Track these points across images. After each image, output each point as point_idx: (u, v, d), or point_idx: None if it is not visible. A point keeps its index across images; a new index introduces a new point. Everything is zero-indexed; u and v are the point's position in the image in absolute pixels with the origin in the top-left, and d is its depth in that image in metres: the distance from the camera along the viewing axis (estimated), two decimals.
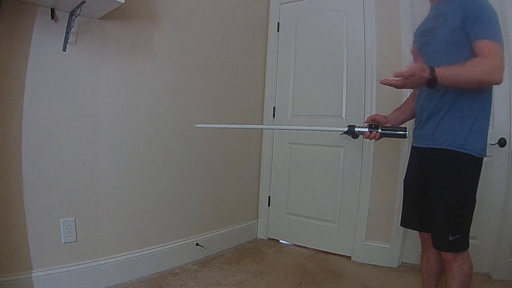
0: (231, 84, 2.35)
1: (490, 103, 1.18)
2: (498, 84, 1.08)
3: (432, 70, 1.04)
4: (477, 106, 1.15)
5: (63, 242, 1.54)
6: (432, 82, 1.05)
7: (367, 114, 2.18)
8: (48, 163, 1.48)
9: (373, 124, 1.27)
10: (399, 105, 1.49)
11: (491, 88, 1.17)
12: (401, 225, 1.43)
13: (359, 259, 2.22)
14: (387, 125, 1.33)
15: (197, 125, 1.62)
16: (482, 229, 1.93)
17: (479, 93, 1.14)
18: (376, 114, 1.38)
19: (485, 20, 1.08)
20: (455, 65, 1.07)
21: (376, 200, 2.19)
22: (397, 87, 1.11)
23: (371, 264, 2.17)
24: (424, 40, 1.25)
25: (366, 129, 1.26)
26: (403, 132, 1.22)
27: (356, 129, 1.27)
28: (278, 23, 2.61)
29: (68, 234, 1.55)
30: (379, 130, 1.24)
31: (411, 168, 1.38)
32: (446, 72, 1.05)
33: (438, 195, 1.20)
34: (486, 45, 1.06)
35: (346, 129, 1.28)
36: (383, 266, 2.13)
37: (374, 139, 1.25)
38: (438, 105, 1.19)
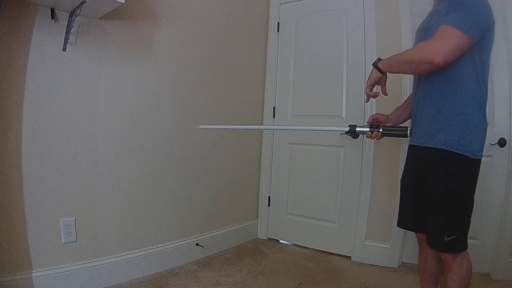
0: (231, 84, 2.35)
1: (485, 101, 1.14)
2: (434, 65, 1.03)
3: (379, 59, 1.26)
4: (470, 103, 1.11)
5: (63, 242, 1.53)
6: (375, 65, 1.26)
7: (367, 114, 2.18)
8: (48, 163, 1.48)
9: (375, 124, 1.26)
10: (400, 104, 1.49)
11: (481, 83, 1.12)
12: (397, 226, 1.42)
13: (359, 259, 2.22)
14: (389, 124, 1.33)
15: (201, 126, 1.61)
16: (482, 229, 1.93)
17: (469, 89, 1.11)
18: (377, 113, 1.37)
19: (458, 9, 1.04)
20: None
21: (376, 200, 2.19)
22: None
23: (371, 264, 2.17)
24: (421, 37, 1.25)
25: (368, 129, 1.26)
26: (404, 132, 1.22)
27: (357, 129, 1.27)
28: (278, 23, 2.61)
29: (68, 234, 1.55)
30: (381, 130, 1.24)
31: (408, 167, 1.37)
32: (388, 58, 1.22)
33: (432, 194, 1.18)
34: (441, 29, 1.04)
35: (348, 129, 1.28)
36: (383, 266, 2.13)
37: (375, 139, 1.26)
38: (431, 102, 1.18)
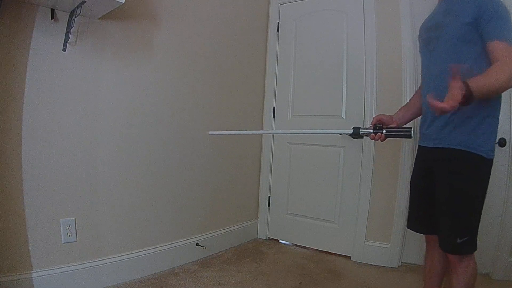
0: (231, 84, 2.35)
1: (500, 104, 1.15)
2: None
3: (467, 86, 0.94)
4: (487, 106, 1.11)
5: (63, 242, 1.54)
6: (469, 99, 0.95)
7: (367, 114, 2.18)
8: (48, 163, 1.48)
9: (378, 125, 1.25)
10: (404, 104, 1.47)
11: None
12: (407, 227, 1.40)
13: (359, 259, 2.22)
14: (392, 125, 1.31)
15: (210, 132, 1.61)
16: (482, 229, 1.87)
17: None
18: (381, 114, 1.35)
19: (500, 19, 1.05)
20: (479, 75, 0.99)
21: (376, 200, 2.19)
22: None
23: (371, 264, 2.17)
24: (432, 35, 1.23)
25: (371, 131, 1.24)
26: (408, 133, 1.20)
27: (361, 131, 1.25)
28: (278, 23, 2.61)
29: (68, 234, 1.55)
30: (384, 132, 1.22)
31: (418, 168, 1.35)
32: (479, 85, 0.96)
33: (445, 196, 1.17)
34: (501, 47, 1.04)
35: (351, 131, 1.26)
36: (383, 266, 2.13)
37: (379, 140, 1.24)
38: None
